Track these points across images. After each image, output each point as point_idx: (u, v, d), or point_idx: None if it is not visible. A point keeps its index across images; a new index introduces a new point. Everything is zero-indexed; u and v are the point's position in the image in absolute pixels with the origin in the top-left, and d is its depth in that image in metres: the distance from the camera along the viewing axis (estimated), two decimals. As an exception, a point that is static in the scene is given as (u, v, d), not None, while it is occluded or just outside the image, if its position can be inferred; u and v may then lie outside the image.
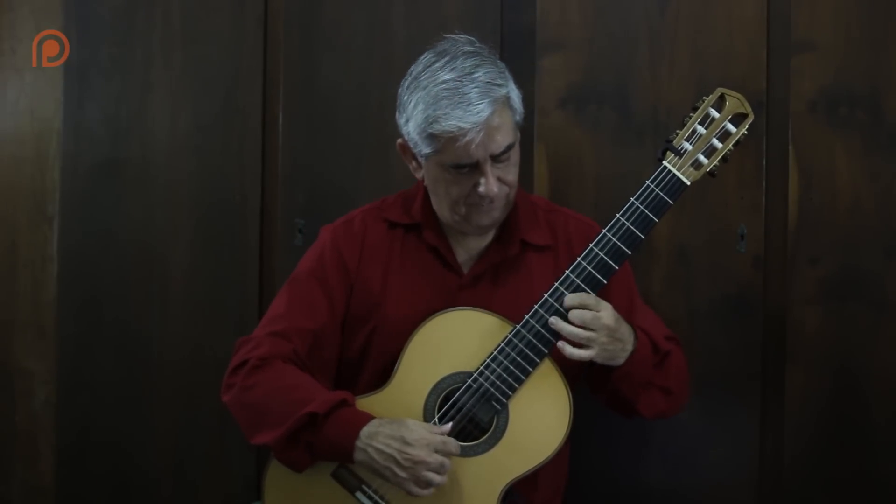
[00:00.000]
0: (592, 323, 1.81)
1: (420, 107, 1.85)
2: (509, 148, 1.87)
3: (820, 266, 2.23)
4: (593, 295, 1.83)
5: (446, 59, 1.86)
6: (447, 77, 1.83)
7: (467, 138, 1.81)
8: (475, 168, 1.86)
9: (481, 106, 1.81)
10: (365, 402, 1.89)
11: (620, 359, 1.86)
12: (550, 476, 1.98)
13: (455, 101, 1.81)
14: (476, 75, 1.83)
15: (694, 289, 2.30)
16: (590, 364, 1.87)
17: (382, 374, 1.92)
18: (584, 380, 1.96)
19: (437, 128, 1.82)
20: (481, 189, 1.86)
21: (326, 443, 1.82)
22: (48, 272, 2.59)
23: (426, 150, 1.87)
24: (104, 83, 2.56)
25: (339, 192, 2.45)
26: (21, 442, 2.62)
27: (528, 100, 2.31)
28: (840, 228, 2.23)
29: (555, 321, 1.82)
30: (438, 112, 1.82)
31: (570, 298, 1.82)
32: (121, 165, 2.55)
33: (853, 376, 2.22)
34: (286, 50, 2.49)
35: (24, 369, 2.61)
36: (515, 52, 2.37)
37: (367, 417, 1.84)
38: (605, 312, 1.82)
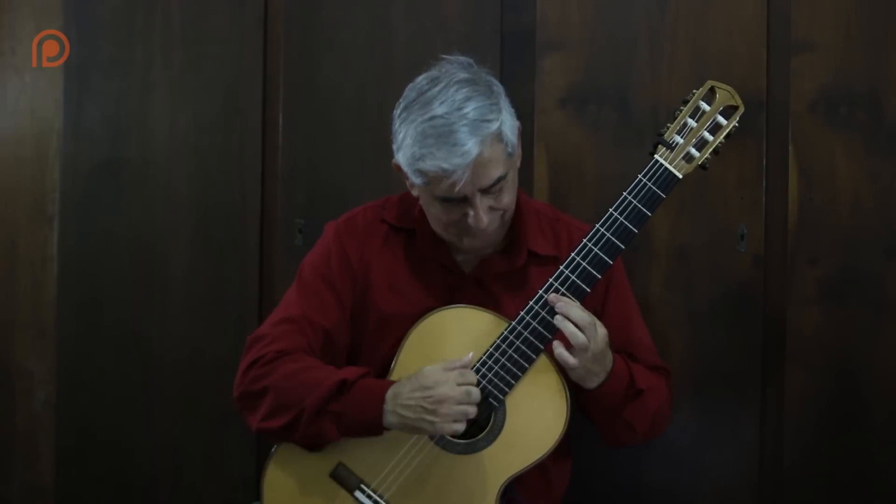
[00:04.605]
0: (589, 331, 1.81)
1: (408, 141, 1.81)
2: (500, 179, 1.82)
3: (820, 266, 2.23)
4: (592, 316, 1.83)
5: (439, 87, 1.81)
6: (436, 112, 1.78)
7: (453, 178, 1.78)
8: (464, 200, 1.83)
9: (468, 146, 1.76)
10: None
11: (590, 383, 1.86)
12: (553, 479, 1.99)
13: (441, 140, 1.76)
14: (465, 111, 1.77)
15: (694, 289, 2.29)
16: None
17: (376, 372, 1.92)
18: None
19: (422, 165, 1.79)
20: (470, 221, 1.84)
21: (355, 411, 1.81)
22: (48, 272, 2.59)
23: (415, 181, 1.85)
24: (104, 83, 2.56)
25: (339, 192, 2.45)
26: (21, 442, 2.62)
27: (528, 100, 2.33)
28: (840, 228, 2.22)
29: (561, 319, 1.81)
30: (424, 150, 1.78)
31: (573, 311, 1.81)
32: (121, 165, 2.55)
33: (853, 376, 2.22)
34: (286, 50, 2.49)
35: (24, 369, 2.61)
36: (515, 52, 2.37)
37: (389, 383, 1.83)
38: (602, 331, 1.83)
